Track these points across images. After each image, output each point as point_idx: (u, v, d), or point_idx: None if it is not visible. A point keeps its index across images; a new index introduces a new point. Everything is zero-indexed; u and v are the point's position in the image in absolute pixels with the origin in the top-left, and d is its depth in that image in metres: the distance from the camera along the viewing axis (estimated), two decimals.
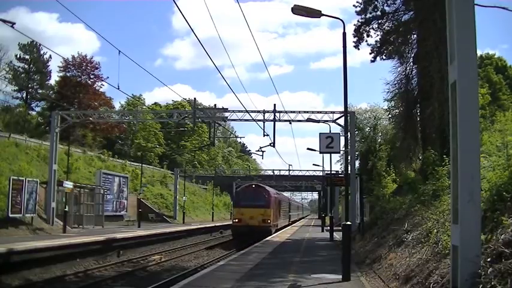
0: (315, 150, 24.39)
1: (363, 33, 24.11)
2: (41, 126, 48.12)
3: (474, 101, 5.78)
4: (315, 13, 10.95)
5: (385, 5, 23.48)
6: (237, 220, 26.09)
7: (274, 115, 25.22)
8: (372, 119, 38.70)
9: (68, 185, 25.34)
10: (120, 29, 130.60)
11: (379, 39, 24.11)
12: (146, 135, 60.41)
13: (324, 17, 11.23)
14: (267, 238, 24.10)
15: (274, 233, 27.43)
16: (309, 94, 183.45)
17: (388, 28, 23.91)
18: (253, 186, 28.61)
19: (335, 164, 41.01)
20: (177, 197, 45.57)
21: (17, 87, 49.62)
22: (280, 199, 33.41)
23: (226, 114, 26.65)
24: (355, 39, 24.46)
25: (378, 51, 24.51)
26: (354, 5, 23.93)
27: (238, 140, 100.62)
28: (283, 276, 10.73)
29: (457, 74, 5.72)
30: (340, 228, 13.36)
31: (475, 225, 5.53)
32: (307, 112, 25.77)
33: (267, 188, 29.62)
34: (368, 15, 23.71)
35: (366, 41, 24.29)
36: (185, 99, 41.65)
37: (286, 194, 59.47)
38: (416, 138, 23.15)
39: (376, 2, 23.37)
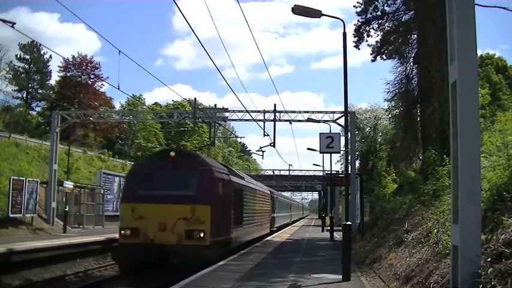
0: (315, 150, 24.46)
1: (363, 33, 24.15)
2: (41, 126, 48.10)
3: (474, 101, 5.78)
4: (315, 13, 10.99)
5: (386, 5, 23.54)
6: (129, 232, 12.55)
7: (275, 115, 25.20)
8: (372, 119, 38.80)
9: (68, 185, 25.34)
10: (120, 29, 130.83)
11: (380, 39, 24.15)
12: (146, 135, 60.34)
13: (324, 17, 11.31)
14: (267, 238, 23.28)
15: (219, 261, 12.83)
16: (309, 94, 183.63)
17: (389, 28, 23.93)
18: (172, 154, 13.61)
19: (335, 164, 41.13)
20: None
21: (17, 87, 49.62)
22: (244, 186, 17.80)
23: (227, 114, 26.64)
24: (355, 39, 24.53)
25: (378, 51, 24.54)
26: (354, 6, 24.00)
27: (239, 140, 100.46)
28: (284, 276, 10.71)
29: (457, 74, 5.72)
30: (340, 228, 13.37)
31: (475, 225, 5.53)
32: (308, 112, 25.77)
33: (204, 158, 15.59)
34: (368, 16, 23.76)
35: (366, 41, 24.37)
36: (185, 99, 41.70)
37: (286, 193, 58.86)
38: (416, 138, 23.15)
39: (376, 2, 23.40)
